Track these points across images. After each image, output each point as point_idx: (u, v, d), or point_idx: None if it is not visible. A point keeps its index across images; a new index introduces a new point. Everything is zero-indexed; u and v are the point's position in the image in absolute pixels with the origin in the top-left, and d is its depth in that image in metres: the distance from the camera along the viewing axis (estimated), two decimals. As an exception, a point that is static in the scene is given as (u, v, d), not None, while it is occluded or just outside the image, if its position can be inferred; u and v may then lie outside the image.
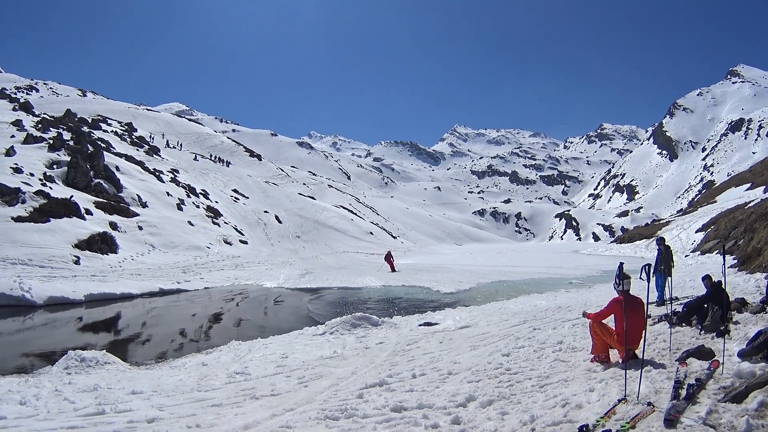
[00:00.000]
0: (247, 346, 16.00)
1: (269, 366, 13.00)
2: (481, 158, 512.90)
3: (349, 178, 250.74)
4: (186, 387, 11.25)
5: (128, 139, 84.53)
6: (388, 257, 46.59)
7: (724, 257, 11.52)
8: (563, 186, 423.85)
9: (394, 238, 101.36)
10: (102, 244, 35.86)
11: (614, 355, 10.50)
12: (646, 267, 9.61)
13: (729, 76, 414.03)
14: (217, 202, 67.81)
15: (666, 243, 19.93)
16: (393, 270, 44.43)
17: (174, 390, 11.00)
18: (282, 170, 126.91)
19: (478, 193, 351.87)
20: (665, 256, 18.41)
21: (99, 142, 64.16)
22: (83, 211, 38.93)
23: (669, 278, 15.93)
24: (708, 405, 7.16)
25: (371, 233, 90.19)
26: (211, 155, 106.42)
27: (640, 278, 9.58)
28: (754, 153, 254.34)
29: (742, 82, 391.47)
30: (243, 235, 58.95)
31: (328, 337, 16.62)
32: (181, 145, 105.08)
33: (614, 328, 10.36)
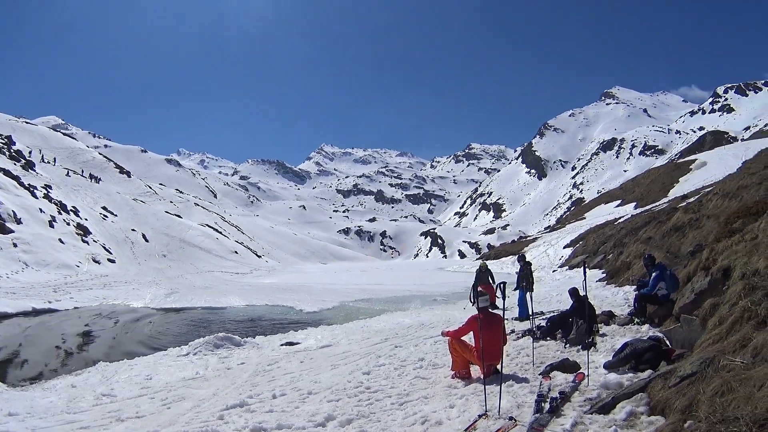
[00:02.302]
0: (114, 368, 16.03)
1: (134, 387, 13.09)
2: (347, 177, 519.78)
3: (215, 196, 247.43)
4: (56, 409, 11.32)
5: (7, 153, 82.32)
6: (490, 288, 21.89)
7: (585, 271, 11.96)
8: (429, 205, 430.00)
9: (259, 257, 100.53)
10: (-21, 261, 35.34)
11: (476, 371, 10.64)
12: (501, 285, 9.85)
13: (603, 98, 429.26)
14: (86, 219, 66.60)
15: (526, 259, 20.92)
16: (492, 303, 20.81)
17: (46, 412, 11.08)
18: (150, 188, 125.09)
19: (344, 212, 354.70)
20: (526, 272, 19.09)
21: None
22: (-38, 226, 38.23)
23: (530, 293, 16.51)
24: (573, 417, 7.40)
25: (236, 252, 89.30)
26: (82, 171, 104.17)
27: (497, 296, 10.02)
28: (625, 171, 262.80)
29: (617, 103, 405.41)
30: (111, 253, 58.22)
31: (191, 358, 16.62)
32: (55, 159, 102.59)
33: (474, 345, 10.65)
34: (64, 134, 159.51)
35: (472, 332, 10.74)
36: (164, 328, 26.27)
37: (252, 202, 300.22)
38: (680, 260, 20.88)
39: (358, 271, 79.03)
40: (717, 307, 10.07)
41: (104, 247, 58.95)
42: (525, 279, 19.14)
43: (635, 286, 16.85)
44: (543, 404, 7.93)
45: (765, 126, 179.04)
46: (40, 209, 56.17)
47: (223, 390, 12.11)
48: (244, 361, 15.43)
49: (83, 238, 56.90)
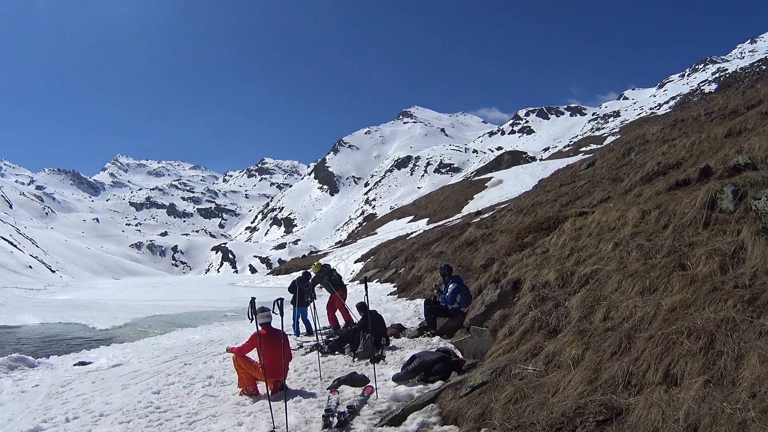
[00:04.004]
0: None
1: (-55, 415, 12.22)
2: (140, 189, 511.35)
3: (11, 206, 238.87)
4: None
5: None
6: (336, 304, 19.66)
7: (366, 285, 12.05)
8: (221, 219, 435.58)
9: (53, 272, 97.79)
10: None
11: (264, 387, 10.62)
12: (279, 301, 9.94)
13: (401, 117, 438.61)
14: None
15: (308, 274, 20.83)
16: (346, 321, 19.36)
17: None
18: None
19: (136, 225, 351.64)
20: (310, 288, 18.92)
21: None
22: None
23: (311, 309, 16.63)
24: (363, 431, 7.54)
25: (30, 267, 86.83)
26: None
27: (274, 312, 10.05)
28: (419, 188, 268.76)
29: (414, 122, 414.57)
30: None
31: (-12, 382, 15.87)
32: None
33: (258, 361, 10.53)
34: None
35: (255, 349, 10.69)
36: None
37: (47, 213, 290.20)
38: (472, 274, 21.51)
39: (150, 287, 77.27)
40: (507, 318, 10.51)
41: None
42: (308, 295, 18.70)
43: (425, 299, 17.00)
44: (331, 419, 8.02)
45: (564, 147, 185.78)
46: None
47: (18, 415, 11.46)
48: (38, 384, 14.66)
49: None
